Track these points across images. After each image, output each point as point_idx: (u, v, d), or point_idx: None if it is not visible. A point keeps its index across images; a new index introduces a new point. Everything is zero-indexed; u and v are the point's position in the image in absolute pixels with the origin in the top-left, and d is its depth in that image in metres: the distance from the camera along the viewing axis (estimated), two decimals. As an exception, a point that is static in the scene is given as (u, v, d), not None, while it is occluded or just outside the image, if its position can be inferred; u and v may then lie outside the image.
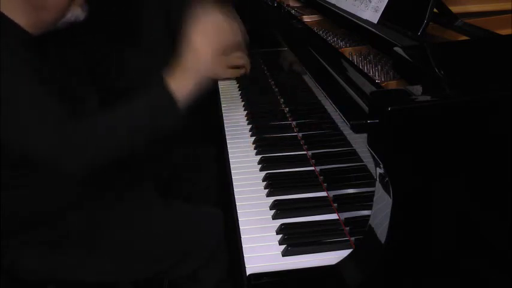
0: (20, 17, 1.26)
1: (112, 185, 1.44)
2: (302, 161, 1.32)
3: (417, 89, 0.82)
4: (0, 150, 1.23)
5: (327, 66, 1.13)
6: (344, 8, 1.36)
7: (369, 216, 0.90)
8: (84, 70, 1.52)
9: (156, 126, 1.22)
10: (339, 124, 1.14)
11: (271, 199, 1.17)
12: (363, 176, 0.98)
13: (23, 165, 1.27)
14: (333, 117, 1.19)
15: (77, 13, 1.35)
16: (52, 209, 1.34)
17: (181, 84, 1.20)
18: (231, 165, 1.34)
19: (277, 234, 1.05)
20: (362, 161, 0.99)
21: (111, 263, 1.37)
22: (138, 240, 1.38)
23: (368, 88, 0.94)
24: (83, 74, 1.51)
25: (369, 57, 1.16)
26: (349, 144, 1.07)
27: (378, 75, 1.06)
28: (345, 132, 1.09)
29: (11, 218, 1.33)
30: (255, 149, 1.40)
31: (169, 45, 2.01)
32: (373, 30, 1.14)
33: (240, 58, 1.42)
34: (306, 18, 1.57)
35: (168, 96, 1.19)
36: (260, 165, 1.32)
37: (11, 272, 1.37)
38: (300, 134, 1.44)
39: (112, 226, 1.38)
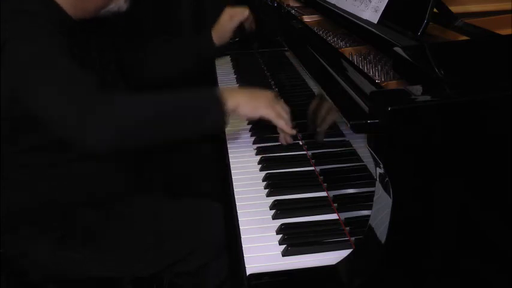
0: (65, 2, 1.30)
1: (121, 184, 1.45)
2: (302, 161, 1.32)
3: (417, 89, 0.82)
4: (25, 125, 1.24)
5: (327, 66, 1.13)
6: (344, 8, 1.36)
7: (368, 216, 0.90)
8: (116, 64, 1.54)
9: (195, 122, 1.22)
10: (339, 124, 1.14)
11: (271, 199, 1.17)
12: (363, 176, 0.98)
13: (46, 141, 1.27)
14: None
15: (120, 4, 1.40)
16: (63, 201, 1.36)
17: (232, 96, 1.23)
18: (231, 165, 1.34)
19: (277, 234, 1.05)
20: (362, 161, 0.99)
21: (114, 259, 1.38)
22: (138, 238, 1.38)
23: (368, 88, 0.94)
24: (115, 68, 1.53)
25: (368, 57, 1.16)
26: (349, 144, 1.07)
27: (378, 75, 1.06)
28: (345, 132, 1.09)
29: (22, 209, 1.34)
30: (255, 149, 1.40)
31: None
32: (373, 30, 1.14)
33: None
34: (306, 18, 1.57)
35: (217, 98, 1.21)
36: (260, 165, 1.32)
37: (16, 266, 1.37)
38: (300, 134, 1.44)
39: (116, 223, 1.39)
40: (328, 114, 1.19)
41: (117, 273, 1.43)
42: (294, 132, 1.32)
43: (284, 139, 1.35)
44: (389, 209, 0.82)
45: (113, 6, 1.38)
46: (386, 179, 0.82)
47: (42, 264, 1.38)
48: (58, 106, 1.17)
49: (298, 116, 1.48)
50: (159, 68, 1.70)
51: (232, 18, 1.73)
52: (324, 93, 1.08)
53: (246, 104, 1.25)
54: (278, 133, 1.46)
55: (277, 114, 1.27)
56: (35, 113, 1.19)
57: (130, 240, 1.37)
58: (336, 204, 1.12)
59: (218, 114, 1.21)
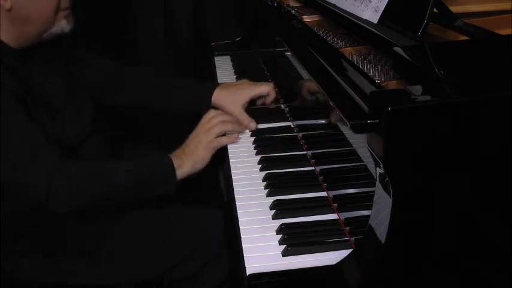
0: (3, 31, 1.26)
1: None
2: (302, 161, 1.32)
3: (417, 89, 0.82)
4: None
5: (327, 66, 1.13)
6: (344, 8, 1.36)
7: (368, 216, 0.90)
8: (75, 83, 1.52)
9: (149, 188, 1.32)
10: (339, 124, 1.14)
11: (271, 199, 1.17)
12: (363, 176, 0.98)
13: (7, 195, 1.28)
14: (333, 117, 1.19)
15: (62, 25, 1.35)
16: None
17: (181, 162, 1.33)
18: (231, 165, 1.34)
19: (277, 234, 1.05)
20: (362, 161, 0.99)
21: (112, 267, 1.37)
22: (137, 242, 1.38)
23: (368, 88, 0.94)
24: (75, 87, 1.51)
25: (368, 57, 1.16)
26: (349, 144, 1.07)
27: (378, 75, 1.06)
28: (345, 132, 1.09)
29: (13, 223, 1.33)
30: (255, 149, 1.40)
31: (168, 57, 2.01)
32: (373, 30, 1.14)
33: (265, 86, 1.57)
34: (306, 18, 1.57)
35: (169, 165, 1.32)
36: (260, 165, 1.32)
37: (10, 277, 1.36)
38: (300, 134, 1.44)
39: (112, 229, 1.38)
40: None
41: (115, 275, 1.42)
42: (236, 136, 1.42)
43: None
44: (389, 209, 0.82)
45: (56, 29, 1.34)
46: (387, 179, 0.82)
47: (35, 275, 1.37)
48: (20, 176, 1.21)
49: (298, 116, 1.49)
50: (142, 99, 1.66)
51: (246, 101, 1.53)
52: (324, 93, 1.08)
53: (194, 166, 1.35)
54: (278, 133, 1.46)
55: (212, 148, 1.37)
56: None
57: (129, 246, 1.37)
58: (336, 204, 1.12)
59: (168, 185, 1.33)
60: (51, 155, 1.24)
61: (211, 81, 1.75)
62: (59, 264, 1.36)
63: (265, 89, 1.54)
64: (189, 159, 1.34)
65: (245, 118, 1.48)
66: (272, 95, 1.56)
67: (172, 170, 1.32)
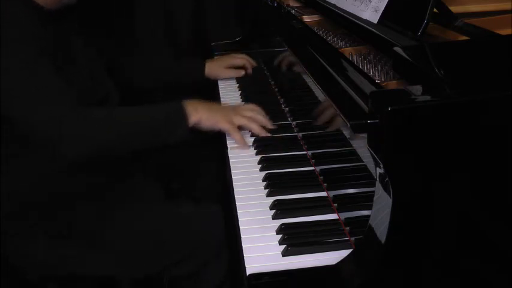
0: None
1: (121, 178, 1.45)
2: (302, 161, 1.32)
3: (417, 89, 0.82)
4: (3, 124, 1.28)
5: (327, 66, 1.13)
6: (344, 8, 1.36)
7: (368, 216, 0.90)
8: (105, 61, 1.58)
9: (161, 131, 1.33)
10: (339, 124, 1.14)
11: (271, 199, 1.17)
12: (363, 176, 0.98)
13: (22, 144, 1.31)
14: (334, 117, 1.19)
15: None
16: (62, 191, 1.37)
17: (195, 111, 1.35)
18: (231, 165, 1.34)
19: (277, 234, 1.05)
20: (362, 161, 0.99)
21: (112, 259, 1.38)
22: (138, 238, 1.38)
23: (368, 88, 0.94)
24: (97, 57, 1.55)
25: (368, 57, 1.16)
26: (349, 144, 1.07)
27: (378, 75, 1.06)
28: (345, 132, 1.09)
29: (19, 199, 1.35)
30: (255, 149, 1.40)
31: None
32: (373, 30, 1.14)
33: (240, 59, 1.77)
34: (306, 18, 1.57)
35: (181, 110, 1.34)
36: (260, 165, 1.32)
37: (15, 264, 1.37)
38: (300, 134, 1.44)
39: (115, 222, 1.39)
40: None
41: (115, 273, 1.43)
42: (247, 145, 1.42)
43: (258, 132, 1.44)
44: (390, 209, 0.82)
45: None
46: (387, 179, 0.81)
47: (40, 263, 1.38)
48: (39, 117, 1.23)
49: (298, 116, 1.49)
50: (145, 77, 1.81)
51: (229, 69, 1.91)
52: (324, 93, 1.08)
53: (207, 119, 1.37)
54: (278, 133, 1.46)
55: (233, 128, 1.40)
56: (15, 119, 1.25)
57: (129, 240, 1.37)
58: (336, 204, 1.12)
59: (182, 129, 1.34)
60: (68, 99, 1.26)
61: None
62: (62, 250, 1.36)
63: (240, 61, 1.91)
64: (204, 111, 1.37)
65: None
66: (248, 64, 1.90)
67: (185, 114, 1.34)
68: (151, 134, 1.34)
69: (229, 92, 1.84)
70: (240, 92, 1.84)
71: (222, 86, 1.89)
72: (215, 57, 2.05)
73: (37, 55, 1.25)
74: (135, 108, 1.36)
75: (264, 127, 1.43)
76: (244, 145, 1.40)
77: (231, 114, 1.41)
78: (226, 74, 1.90)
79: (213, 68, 1.87)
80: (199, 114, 1.35)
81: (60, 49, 1.34)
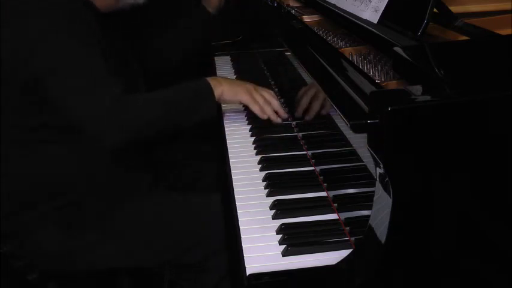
0: None
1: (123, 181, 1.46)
2: (302, 161, 1.32)
3: (417, 89, 0.82)
4: (47, 108, 1.32)
5: (327, 66, 1.13)
6: (344, 8, 1.36)
7: (368, 216, 0.90)
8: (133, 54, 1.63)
9: (191, 109, 1.39)
10: (339, 124, 1.14)
11: (271, 199, 1.17)
12: (363, 176, 0.98)
13: (64, 128, 1.35)
14: (333, 117, 1.19)
15: None
16: (71, 180, 1.39)
17: (217, 85, 1.42)
18: (231, 165, 1.34)
19: (277, 234, 1.05)
20: (362, 161, 0.99)
21: (119, 248, 1.39)
22: (137, 232, 1.39)
23: (368, 88, 0.94)
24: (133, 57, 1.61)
25: (368, 57, 1.16)
26: (349, 144, 1.07)
27: (378, 75, 1.06)
28: (345, 132, 1.09)
29: (31, 187, 1.37)
30: (255, 149, 1.40)
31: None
32: (373, 30, 1.14)
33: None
34: (306, 18, 1.57)
35: (207, 84, 1.41)
36: (260, 165, 1.32)
37: (17, 257, 1.38)
38: (300, 134, 1.44)
39: (124, 213, 1.40)
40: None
41: (119, 263, 1.43)
42: (265, 117, 1.46)
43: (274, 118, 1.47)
44: (390, 209, 0.82)
45: None
46: (387, 179, 0.81)
47: (50, 255, 1.38)
48: (85, 103, 1.28)
49: (297, 116, 1.49)
50: (167, 50, 1.83)
51: None
52: (324, 93, 1.08)
53: (229, 91, 1.44)
54: (278, 133, 1.47)
55: (254, 100, 1.45)
56: (59, 102, 1.29)
57: (128, 232, 1.38)
58: (336, 204, 1.12)
59: (210, 103, 1.41)
60: (112, 89, 1.30)
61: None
62: (71, 240, 1.38)
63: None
64: (226, 84, 1.44)
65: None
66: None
67: (210, 88, 1.41)
68: (184, 113, 1.39)
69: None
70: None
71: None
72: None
73: (92, 47, 1.32)
74: (164, 91, 1.40)
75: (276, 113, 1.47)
76: (263, 115, 1.45)
77: (251, 89, 1.46)
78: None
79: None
80: (222, 87, 1.42)
81: (106, 44, 1.40)
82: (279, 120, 1.47)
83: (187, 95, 1.40)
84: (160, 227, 1.40)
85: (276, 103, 1.46)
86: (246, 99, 1.45)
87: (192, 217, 1.43)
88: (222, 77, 1.48)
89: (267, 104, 1.45)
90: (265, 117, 1.46)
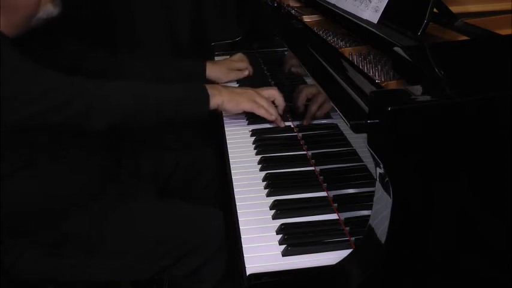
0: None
1: (115, 180, 1.44)
2: (302, 161, 1.32)
3: (417, 89, 0.82)
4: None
5: (327, 66, 1.13)
6: (344, 8, 1.36)
7: (368, 216, 0.90)
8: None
9: (181, 108, 1.37)
10: (339, 124, 1.14)
11: (271, 199, 1.17)
12: (363, 176, 0.98)
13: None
14: (333, 117, 1.19)
15: (48, 9, 1.33)
16: (56, 206, 1.35)
17: (218, 94, 1.41)
18: (231, 165, 1.34)
19: (277, 234, 1.05)
20: (362, 161, 0.99)
21: (112, 263, 1.37)
22: (137, 240, 1.38)
23: (368, 88, 0.94)
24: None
25: (368, 57, 1.16)
26: (349, 144, 1.07)
27: (378, 75, 1.06)
28: (345, 132, 1.09)
29: (15, 217, 1.33)
30: (255, 149, 1.40)
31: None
32: (373, 30, 1.14)
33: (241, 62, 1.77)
34: (306, 18, 1.57)
35: (203, 89, 1.40)
36: (260, 165, 1.32)
37: (11, 272, 1.37)
38: (300, 134, 1.44)
39: (113, 226, 1.38)
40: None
41: (112, 277, 1.42)
42: (273, 118, 1.47)
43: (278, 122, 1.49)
44: (390, 209, 0.82)
45: (42, 14, 1.32)
46: (387, 179, 0.82)
47: (36, 271, 1.37)
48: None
49: (298, 116, 1.49)
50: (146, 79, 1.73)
51: (230, 71, 1.86)
52: (324, 93, 1.08)
53: (230, 101, 1.42)
54: (278, 133, 1.47)
55: (258, 105, 1.45)
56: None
57: (127, 244, 1.37)
58: (336, 204, 1.12)
59: (199, 108, 1.39)
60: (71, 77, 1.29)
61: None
62: (60, 259, 1.36)
63: (241, 65, 1.90)
64: (226, 93, 1.42)
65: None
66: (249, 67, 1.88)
67: (207, 93, 1.39)
68: (168, 109, 1.36)
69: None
70: (240, 92, 1.83)
71: (221, 85, 1.89)
72: (215, 60, 2.00)
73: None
74: (154, 84, 1.39)
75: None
76: (271, 116, 1.46)
77: (253, 95, 1.46)
78: (228, 77, 1.86)
79: (214, 70, 1.83)
80: (222, 97, 1.41)
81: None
82: (283, 125, 1.48)
83: (177, 93, 1.38)
84: (156, 234, 1.39)
85: (280, 99, 1.48)
86: (249, 107, 1.45)
87: (190, 222, 1.42)
88: (223, 86, 1.47)
89: (272, 106, 1.47)
90: (273, 118, 1.47)
